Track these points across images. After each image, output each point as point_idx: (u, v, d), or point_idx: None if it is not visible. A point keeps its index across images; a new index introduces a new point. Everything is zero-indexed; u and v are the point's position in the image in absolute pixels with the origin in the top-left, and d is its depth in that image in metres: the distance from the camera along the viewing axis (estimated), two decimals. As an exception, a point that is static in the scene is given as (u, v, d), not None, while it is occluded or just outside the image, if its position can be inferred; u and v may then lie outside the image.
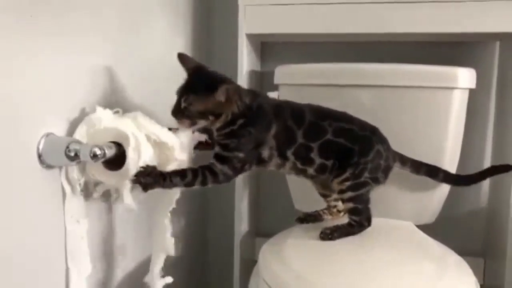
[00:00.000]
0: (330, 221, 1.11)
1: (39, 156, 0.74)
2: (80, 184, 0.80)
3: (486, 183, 1.36)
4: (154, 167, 0.85)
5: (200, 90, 0.90)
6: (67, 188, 0.80)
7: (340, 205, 1.11)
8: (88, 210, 0.85)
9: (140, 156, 0.82)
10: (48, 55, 0.76)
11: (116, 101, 0.94)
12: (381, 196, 1.20)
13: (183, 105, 0.89)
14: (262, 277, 0.90)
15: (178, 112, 0.90)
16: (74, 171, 0.80)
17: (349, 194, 1.01)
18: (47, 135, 0.75)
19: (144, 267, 1.00)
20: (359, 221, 1.03)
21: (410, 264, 0.92)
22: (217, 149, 0.94)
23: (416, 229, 1.15)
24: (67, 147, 0.74)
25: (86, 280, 0.83)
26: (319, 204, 1.16)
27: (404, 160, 1.11)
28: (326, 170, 1.01)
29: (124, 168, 0.80)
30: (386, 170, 1.06)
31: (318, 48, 1.43)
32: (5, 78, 0.67)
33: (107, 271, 0.98)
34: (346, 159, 1.00)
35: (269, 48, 1.47)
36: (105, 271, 0.97)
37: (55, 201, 0.79)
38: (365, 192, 1.02)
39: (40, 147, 0.74)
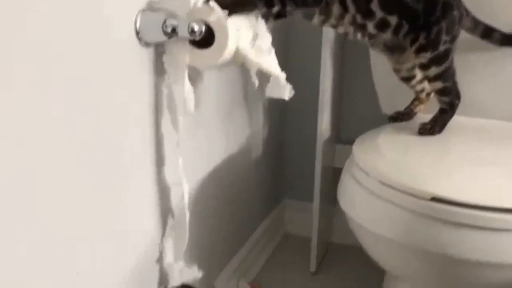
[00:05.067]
0: (422, 114, 1.08)
1: (137, 33, 0.73)
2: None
3: None
4: None
5: None
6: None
7: (427, 86, 1.06)
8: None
9: (228, 34, 0.75)
10: None
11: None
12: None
13: None
14: (357, 164, 0.89)
15: None
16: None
17: (434, 70, 0.96)
18: (143, 10, 0.74)
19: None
20: (450, 101, 0.98)
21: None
22: None
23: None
24: (164, 22, 0.73)
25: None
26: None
27: (467, 10, 1.00)
28: (387, 28, 0.93)
29: (215, 44, 0.75)
30: (460, 19, 0.97)
31: None
32: None
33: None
34: (414, 22, 0.93)
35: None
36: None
37: (150, 79, 0.79)
38: (449, 65, 0.97)
39: (138, 24, 0.73)
